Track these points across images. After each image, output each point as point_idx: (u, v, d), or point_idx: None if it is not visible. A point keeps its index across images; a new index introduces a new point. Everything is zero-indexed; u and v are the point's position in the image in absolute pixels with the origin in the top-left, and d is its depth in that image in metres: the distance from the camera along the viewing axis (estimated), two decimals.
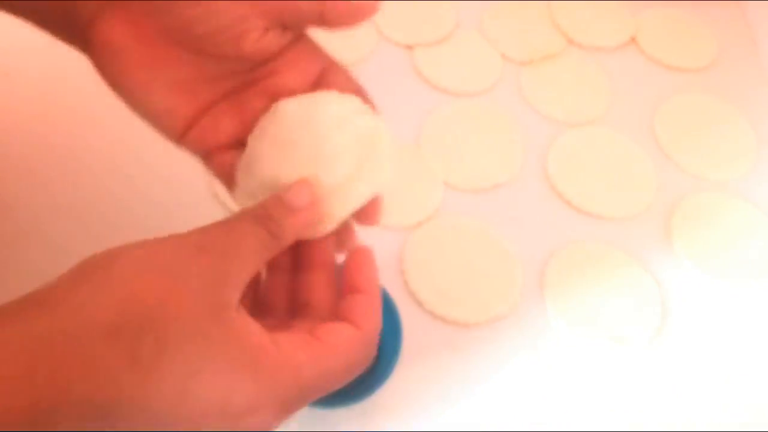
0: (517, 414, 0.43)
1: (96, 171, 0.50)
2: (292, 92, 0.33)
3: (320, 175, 0.30)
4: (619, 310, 0.48)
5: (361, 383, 0.40)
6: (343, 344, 0.27)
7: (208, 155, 0.33)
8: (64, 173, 0.49)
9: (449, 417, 0.43)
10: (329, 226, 0.31)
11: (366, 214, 0.32)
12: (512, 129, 0.56)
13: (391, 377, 0.40)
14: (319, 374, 0.26)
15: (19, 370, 0.22)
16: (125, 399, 0.23)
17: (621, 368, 0.46)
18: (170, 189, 0.49)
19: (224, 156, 0.33)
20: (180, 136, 0.32)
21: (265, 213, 0.28)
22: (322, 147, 0.30)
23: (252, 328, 0.25)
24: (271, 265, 0.32)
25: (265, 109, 0.33)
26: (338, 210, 0.31)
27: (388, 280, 0.45)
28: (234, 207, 0.33)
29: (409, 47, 0.60)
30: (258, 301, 0.31)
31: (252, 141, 0.32)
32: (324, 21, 0.31)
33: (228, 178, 0.33)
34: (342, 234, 0.32)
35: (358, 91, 0.34)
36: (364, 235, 0.49)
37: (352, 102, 0.32)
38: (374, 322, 0.29)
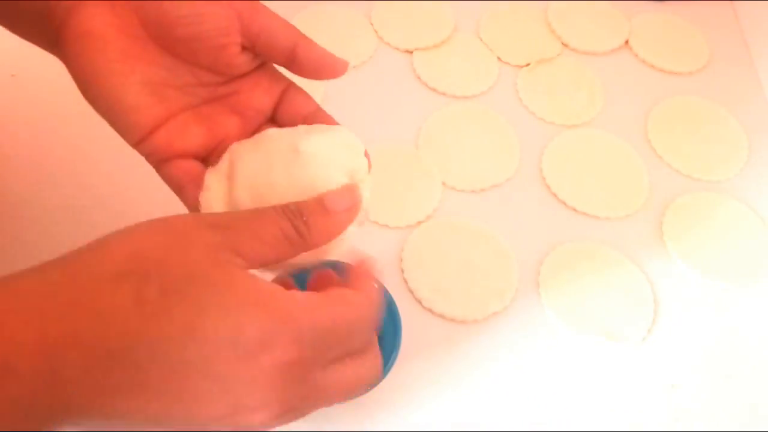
0: (513, 410, 0.44)
1: (100, 172, 0.50)
2: (257, 110, 0.34)
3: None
4: (612, 307, 0.48)
5: None
6: (352, 298, 0.27)
7: (164, 161, 0.33)
8: (69, 174, 0.50)
9: (447, 412, 0.43)
10: (324, 257, 0.31)
11: None
12: (508, 131, 0.57)
13: (391, 373, 0.41)
14: (333, 319, 0.25)
15: (29, 309, 0.23)
16: (133, 341, 0.23)
17: (614, 365, 0.46)
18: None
19: (185, 164, 0.33)
20: (142, 137, 0.32)
21: (296, 208, 0.28)
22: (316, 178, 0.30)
23: (259, 279, 0.25)
24: None
25: (234, 127, 0.33)
26: (335, 245, 0.31)
27: (387, 278, 0.45)
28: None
29: (408, 51, 0.61)
30: None
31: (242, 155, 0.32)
32: (294, 59, 0.32)
33: (179, 187, 0.33)
34: None
35: (317, 111, 0.34)
36: (364, 234, 0.50)
37: (340, 136, 0.33)
38: (372, 288, 0.28)
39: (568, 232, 0.52)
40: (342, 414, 0.42)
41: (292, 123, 0.34)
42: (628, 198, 0.54)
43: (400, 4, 0.64)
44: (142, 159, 0.50)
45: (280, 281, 0.29)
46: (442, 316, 0.47)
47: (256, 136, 0.33)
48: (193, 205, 0.32)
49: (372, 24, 0.63)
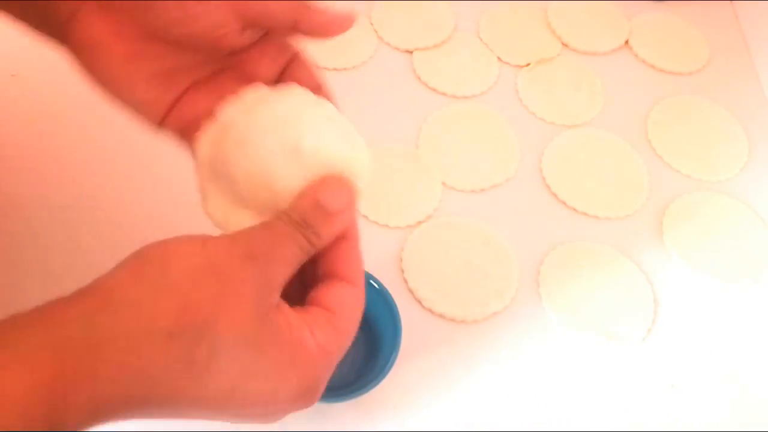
0: (513, 410, 0.44)
1: (101, 172, 0.51)
2: (264, 79, 0.34)
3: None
4: (612, 307, 0.49)
5: (361, 378, 0.41)
6: (351, 310, 0.29)
7: (185, 132, 0.34)
8: (68, 174, 0.50)
9: (447, 412, 0.43)
10: None
11: None
12: (508, 131, 0.57)
13: (391, 373, 0.41)
14: (340, 347, 0.29)
15: (84, 369, 0.23)
16: (179, 396, 0.25)
17: (614, 365, 0.46)
18: (173, 190, 0.49)
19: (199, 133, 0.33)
20: (160, 121, 0.33)
21: (303, 221, 0.29)
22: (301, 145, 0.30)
23: (292, 323, 0.27)
24: None
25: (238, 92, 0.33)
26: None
27: (387, 278, 0.45)
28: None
29: (408, 51, 0.61)
30: None
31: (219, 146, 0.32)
32: (298, 30, 0.32)
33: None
34: None
35: (319, 88, 0.34)
36: (363, 234, 0.50)
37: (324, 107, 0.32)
38: (362, 272, 0.31)
39: (568, 232, 0.52)
40: (342, 414, 0.42)
41: None
42: (628, 198, 0.54)
43: (400, 4, 0.64)
44: (142, 159, 0.51)
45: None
46: (442, 316, 0.47)
47: (248, 97, 0.33)
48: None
49: (372, 24, 0.63)
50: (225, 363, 0.25)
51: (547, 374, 0.46)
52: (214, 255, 0.26)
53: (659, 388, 0.46)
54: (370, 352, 0.43)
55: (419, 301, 0.47)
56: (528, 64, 0.62)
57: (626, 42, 0.65)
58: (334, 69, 0.59)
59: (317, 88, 0.34)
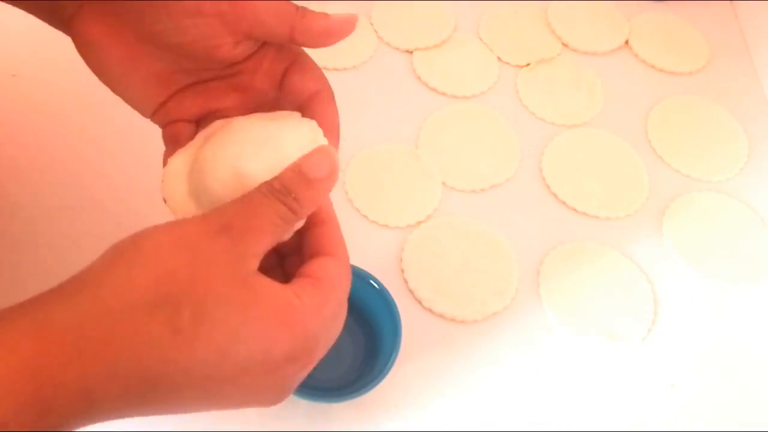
0: (513, 410, 0.44)
1: (100, 172, 0.51)
2: (258, 91, 0.34)
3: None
4: (612, 307, 0.49)
5: (361, 378, 0.41)
6: (337, 277, 0.29)
7: (167, 125, 0.34)
8: (68, 174, 0.50)
9: (447, 411, 0.43)
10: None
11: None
12: (508, 131, 0.57)
13: (391, 373, 0.41)
14: (332, 312, 0.28)
15: (67, 348, 0.23)
16: (170, 369, 0.24)
17: (614, 364, 0.46)
18: None
19: (180, 126, 0.34)
20: (150, 114, 0.34)
21: (283, 188, 0.28)
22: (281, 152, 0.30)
23: (275, 288, 0.27)
24: None
25: (232, 101, 0.34)
26: None
27: (387, 278, 0.45)
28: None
29: (408, 51, 0.61)
30: None
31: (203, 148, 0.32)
32: (295, 39, 0.31)
33: (166, 143, 0.34)
34: None
35: (316, 94, 0.33)
36: (364, 234, 0.50)
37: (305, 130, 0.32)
38: (345, 249, 0.30)
39: (568, 232, 0.52)
40: (342, 414, 0.42)
41: (292, 105, 0.34)
42: (628, 198, 0.54)
43: (400, 4, 0.64)
44: (142, 159, 0.51)
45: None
46: (442, 316, 0.47)
47: (214, 125, 0.33)
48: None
49: (372, 24, 0.63)
50: (210, 327, 0.25)
51: (546, 374, 0.46)
52: (184, 231, 0.27)
53: (659, 388, 0.46)
54: (370, 352, 0.43)
55: (419, 301, 0.47)
56: (528, 64, 0.62)
57: (626, 42, 0.65)
58: (334, 69, 0.59)
59: (314, 96, 0.33)
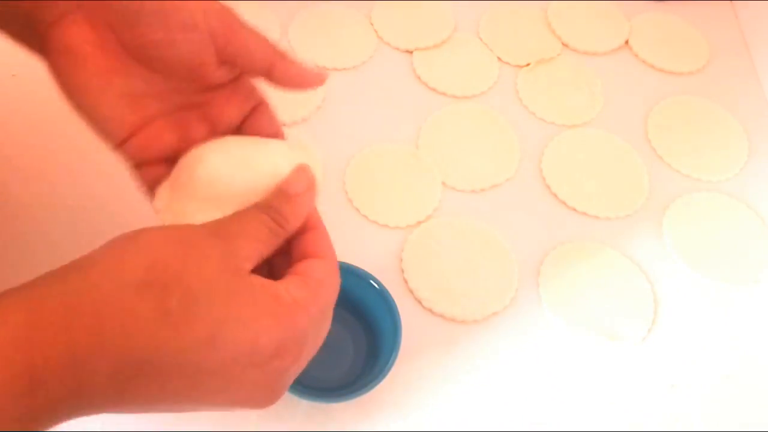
0: (513, 410, 0.44)
1: (100, 172, 0.50)
2: (227, 124, 0.35)
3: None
4: (612, 307, 0.49)
5: (361, 378, 0.41)
6: (325, 276, 0.30)
7: (139, 165, 0.34)
8: (69, 174, 0.50)
9: (447, 411, 0.43)
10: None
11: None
12: (508, 131, 0.57)
13: (391, 373, 0.41)
14: (320, 309, 0.29)
15: (57, 322, 0.24)
16: (158, 351, 0.25)
17: (614, 365, 0.46)
18: None
19: (155, 169, 0.34)
20: (119, 143, 0.33)
21: (266, 203, 0.31)
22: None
23: (265, 282, 0.28)
24: None
25: (203, 135, 0.34)
26: None
27: (387, 278, 0.45)
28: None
29: (408, 51, 0.61)
30: None
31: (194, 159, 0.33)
32: (271, 76, 0.33)
33: (151, 189, 0.34)
34: None
35: (277, 134, 0.35)
36: (364, 234, 0.50)
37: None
38: (333, 252, 0.31)
39: (568, 232, 0.52)
40: (342, 414, 0.42)
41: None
42: (628, 198, 0.54)
43: (400, 4, 0.64)
44: None
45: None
46: (442, 316, 0.47)
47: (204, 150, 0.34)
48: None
49: (372, 24, 0.63)
50: (199, 312, 0.25)
51: (546, 374, 0.46)
52: (180, 231, 0.28)
53: (659, 388, 0.46)
54: (370, 352, 0.43)
55: (419, 301, 0.47)
56: (528, 64, 0.62)
57: (626, 42, 0.65)
58: (334, 69, 0.59)
59: (275, 135, 0.35)
